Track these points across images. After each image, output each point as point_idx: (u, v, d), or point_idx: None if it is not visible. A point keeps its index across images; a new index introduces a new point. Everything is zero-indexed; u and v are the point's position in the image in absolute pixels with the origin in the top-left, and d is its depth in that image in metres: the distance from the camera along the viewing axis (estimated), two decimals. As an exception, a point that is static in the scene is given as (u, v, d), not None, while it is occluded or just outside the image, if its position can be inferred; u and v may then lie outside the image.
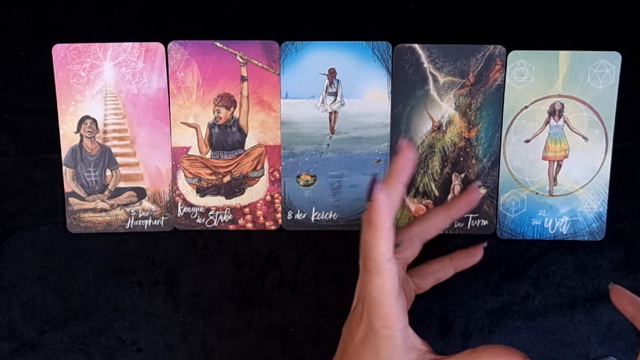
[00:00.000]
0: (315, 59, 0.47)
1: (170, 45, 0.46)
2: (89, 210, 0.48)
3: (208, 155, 0.48)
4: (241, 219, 0.49)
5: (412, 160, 0.36)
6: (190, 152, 0.48)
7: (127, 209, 0.48)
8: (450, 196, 0.48)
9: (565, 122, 0.47)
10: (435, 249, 0.48)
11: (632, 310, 0.37)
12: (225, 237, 0.49)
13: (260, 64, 0.47)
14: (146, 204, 0.48)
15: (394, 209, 0.33)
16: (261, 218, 0.49)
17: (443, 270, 0.44)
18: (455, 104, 0.47)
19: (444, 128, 0.47)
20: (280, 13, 0.46)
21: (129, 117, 0.47)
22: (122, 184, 0.48)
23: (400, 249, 0.40)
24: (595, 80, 0.46)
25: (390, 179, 0.36)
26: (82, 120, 0.47)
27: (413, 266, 0.44)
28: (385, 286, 0.34)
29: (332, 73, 0.47)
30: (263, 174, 0.48)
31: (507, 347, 0.35)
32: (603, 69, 0.46)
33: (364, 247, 0.34)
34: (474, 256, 0.45)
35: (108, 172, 0.48)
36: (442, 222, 0.43)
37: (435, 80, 0.47)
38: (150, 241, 0.49)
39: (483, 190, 0.46)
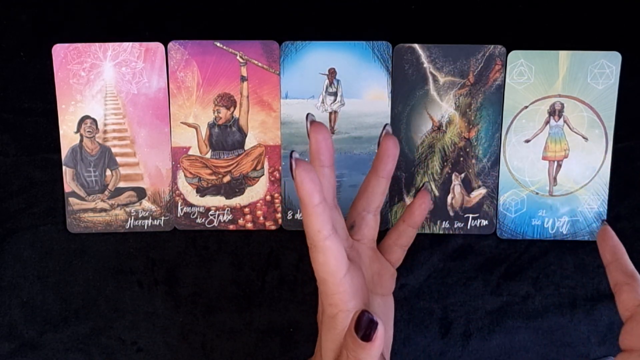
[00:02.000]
0: (315, 59, 0.47)
1: (170, 45, 0.46)
2: (89, 210, 0.48)
3: (208, 155, 0.48)
4: (241, 219, 0.49)
5: (327, 140, 0.34)
6: (190, 152, 0.48)
7: (127, 209, 0.48)
8: (450, 196, 0.48)
9: (565, 122, 0.47)
10: (434, 249, 0.49)
11: (609, 257, 0.38)
12: (225, 237, 0.49)
13: (260, 64, 0.47)
14: (146, 204, 0.48)
15: (317, 183, 0.31)
16: (261, 218, 0.49)
17: (403, 235, 0.41)
18: (455, 104, 0.47)
19: (444, 128, 0.47)
20: (280, 13, 0.46)
21: (129, 117, 0.47)
22: (122, 184, 0.48)
23: (356, 229, 0.39)
24: (595, 80, 0.46)
25: (312, 163, 0.34)
26: (82, 120, 0.47)
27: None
28: (328, 264, 0.33)
29: (332, 73, 0.47)
30: (263, 174, 0.48)
31: None
32: (603, 69, 0.46)
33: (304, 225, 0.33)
34: (421, 205, 0.40)
35: (108, 172, 0.48)
36: (377, 186, 0.39)
37: (435, 80, 0.47)
38: (150, 241, 0.49)
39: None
